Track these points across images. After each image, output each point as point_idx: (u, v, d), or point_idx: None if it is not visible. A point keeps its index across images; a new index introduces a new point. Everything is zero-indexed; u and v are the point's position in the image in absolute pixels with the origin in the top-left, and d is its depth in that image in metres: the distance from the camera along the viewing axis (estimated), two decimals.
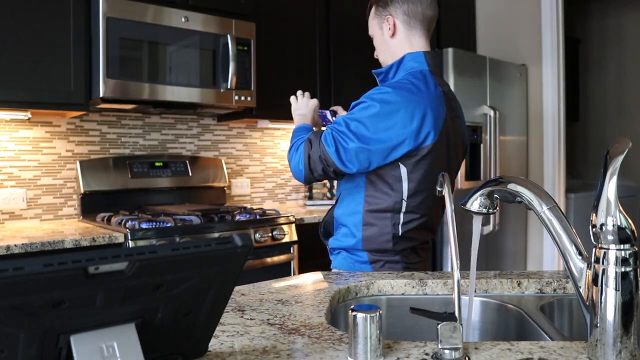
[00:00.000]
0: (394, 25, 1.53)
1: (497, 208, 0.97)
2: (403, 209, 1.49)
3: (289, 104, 1.93)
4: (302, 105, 1.79)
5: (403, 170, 1.46)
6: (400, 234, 1.50)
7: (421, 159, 1.46)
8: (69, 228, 2.28)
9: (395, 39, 1.55)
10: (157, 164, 2.73)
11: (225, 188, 3.01)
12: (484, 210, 0.96)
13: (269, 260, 2.42)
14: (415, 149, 1.44)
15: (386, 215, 1.49)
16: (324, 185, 3.31)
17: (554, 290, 1.24)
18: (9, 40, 2.10)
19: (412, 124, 1.42)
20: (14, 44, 2.11)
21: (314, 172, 1.48)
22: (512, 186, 0.89)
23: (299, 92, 1.81)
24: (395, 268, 1.51)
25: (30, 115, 2.36)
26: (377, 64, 1.68)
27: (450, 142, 1.53)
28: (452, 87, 3.30)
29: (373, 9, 1.59)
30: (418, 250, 1.59)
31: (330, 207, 1.68)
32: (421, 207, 1.51)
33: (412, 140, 1.42)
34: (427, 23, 1.55)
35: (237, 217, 2.41)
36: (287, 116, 3.05)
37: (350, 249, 1.54)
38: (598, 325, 0.75)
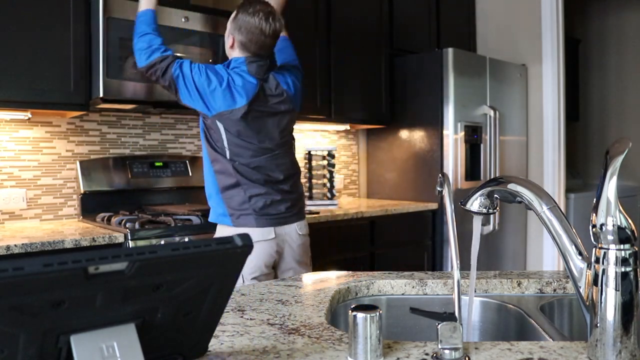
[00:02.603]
0: (233, 42, 2.02)
1: (497, 208, 0.97)
2: None
3: None
4: None
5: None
6: None
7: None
8: (69, 228, 2.28)
9: (233, 51, 2.05)
10: (157, 164, 2.73)
11: None
12: (484, 210, 0.96)
13: None
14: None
15: None
16: (324, 185, 3.31)
17: (554, 290, 1.24)
18: (9, 40, 2.10)
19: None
20: (14, 44, 2.11)
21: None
22: (512, 186, 0.89)
23: None
24: None
25: (30, 115, 2.36)
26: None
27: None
28: (451, 87, 3.31)
29: (231, 17, 2.05)
30: None
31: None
32: None
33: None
34: (255, 55, 2.01)
35: None
36: None
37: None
38: (598, 325, 0.75)
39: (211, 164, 2.02)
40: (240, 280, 1.94)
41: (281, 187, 2.05)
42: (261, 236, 1.97)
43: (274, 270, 2.08)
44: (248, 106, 1.95)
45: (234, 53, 2.03)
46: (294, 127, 2.20)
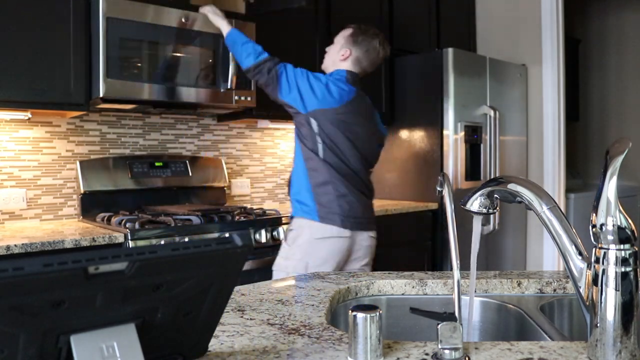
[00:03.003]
0: (349, 55, 2.21)
1: (497, 208, 0.97)
2: None
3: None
4: (214, 15, 2.38)
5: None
6: None
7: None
8: (69, 228, 2.28)
9: (344, 63, 2.23)
10: (157, 164, 2.73)
11: (225, 188, 3.01)
12: (484, 210, 0.96)
13: (269, 260, 2.42)
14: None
15: None
16: None
17: (554, 290, 1.24)
18: (9, 40, 2.10)
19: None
20: (14, 44, 2.11)
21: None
22: (512, 186, 0.89)
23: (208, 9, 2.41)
24: None
25: (30, 115, 2.36)
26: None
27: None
28: (451, 87, 3.31)
29: (348, 34, 2.23)
30: None
31: None
32: None
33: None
34: (363, 71, 2.25)
35: (237, 217, 2.41)
36: (287, 116, 3.06)
37: None
38: (598, 325, 0.75)
39: (304, 161, 2.15)
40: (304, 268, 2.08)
41: (363, 192, 2.20)
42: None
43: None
44: (342, 107, 2.10)
45: (342, 65, 2.21)
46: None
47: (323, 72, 2.24)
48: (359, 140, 2.16)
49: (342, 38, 2.24)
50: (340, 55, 2.21)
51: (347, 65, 2.20)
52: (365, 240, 2.20)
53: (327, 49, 2.31)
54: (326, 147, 2.09)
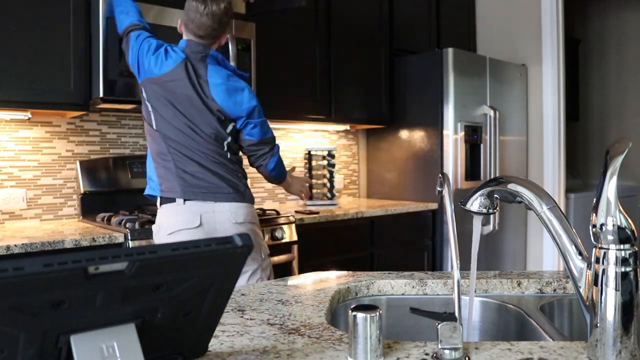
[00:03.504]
0: (181, 24, 2.10)
1: (497, 208, 0.97)
2: None
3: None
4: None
5: None
6: None
7: None
8: (69, 228, 2.28)
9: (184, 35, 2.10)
10: None
11: None
12: (484, 210, 0.96)
13: None
14: None
15: None
16: (324, 185, 3.31)
17: (554, 290, 1.24)
18: (9, 40, 2.10)
19: None
20: (14, 44, 2.11)
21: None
22: (512, 186, 0.89)
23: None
24: None
25: (30, 115, 2.36)
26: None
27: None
28: (451, 87, 3.31)
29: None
30: None
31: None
32: None
33: None
34: (197, 37, 2.06)
35: None
36: (287, 116, 3.06)
37: None
38: (598, 325, 0.75)
39: (146, 133, 2.09)
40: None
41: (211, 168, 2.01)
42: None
43: None
44: (164, 76, 1.99)
45: (184, 37, 2.09)
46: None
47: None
48: (185, 111, 2.00)
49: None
50: (179, 31, 2.12)
51: (184, 35, 2.08)
52: (228, 226, 1.97)
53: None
54: (157, 115, 2.00)
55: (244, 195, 2.04)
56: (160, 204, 2.02)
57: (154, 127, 2.01)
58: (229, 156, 2.06)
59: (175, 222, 1.95)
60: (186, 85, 1.99)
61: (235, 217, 1.99)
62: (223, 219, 1.98)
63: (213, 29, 2.04)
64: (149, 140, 2.05)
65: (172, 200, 1.98)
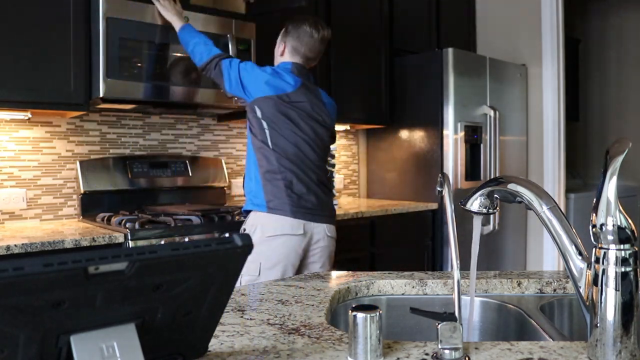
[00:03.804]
0: (284, 47, 2.24)
1: (497, 208, 0.97)
2: None
3: None
4: (164, 8, 2.33)
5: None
6: None
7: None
8: (69, 228, 2.28)
9: (283, 57, 2.25)
10: (157, 164, 2.73)
11: (225, 188, 3.01)
12: (484, 210, 0.96)
13: None
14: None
15: None
16: None
17: (554, 290, 1.24)
18: (9, 40, 2.10)
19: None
20: (14, 44, 2.11)
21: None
22: (512, 186, 0.89)
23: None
24: None
25: (30, 115, 2.36)
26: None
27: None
28: (451, 87, 3.31)
29: (281, 31, 2.28)
30: None
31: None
32: None
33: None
34: (305, 59, 2.23)
35: (237, 217, 2.41)
36: None
37: None
38: (598, 325, 0.75)
39: (254, 151, 2.14)
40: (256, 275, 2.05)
41: (317, 184, 2.16)
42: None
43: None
44: (286, 96, 2.11)
45: (284, 59, 2.23)
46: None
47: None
48: (306, 129, 2.14)
49: (278, 37, 2.29)
50: (279, 52, 2.25)
51: (288, 58, 2.21)
52: (323, 239, 2.14)
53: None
54: (274, 133, 2.09)
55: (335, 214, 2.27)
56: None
57: (270, 145, 2.10)
58: (328, 174, 2.28)
59: (280, 227, 2.05)
60: (311, 104, 2.16)
61: (330, 232, 2.19)
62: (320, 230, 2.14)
63: (321, 52, 2.26)
64: (258, 157, 2.12)
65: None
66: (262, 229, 2.05)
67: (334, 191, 2.28)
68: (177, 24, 2.28)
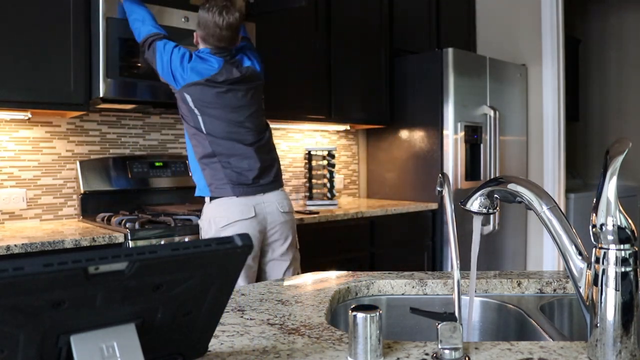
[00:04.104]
0: (197, 38, 2.21)
1: (497, 208, 0.97)
2: None
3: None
4: None
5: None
6: None
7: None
8: (69, 228, 2.28)
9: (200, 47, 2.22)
10: (157, 164, 2.73)
11: None
12: (484, 210, 0.96)
13: None
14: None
15: None
16: (324, 185, 3.31)
17: (554, 290, 1.24)
18: (9, 40, 2.10)
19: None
20: (14, 44, 2.11)
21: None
22: (512, 186, 0.89)
23: None
24: None
25: (30, 115, 2.36)
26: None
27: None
28: (451, 87, 3.31)
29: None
30: None
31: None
32: None
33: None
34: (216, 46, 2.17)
35: None
36: (287, 116, 3.06)
37: None
38: (598, 325, 0.75)
39: (190, 138, 2.14)
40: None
41: (252, 154, 2.14)
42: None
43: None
44: (212, 77, 2.08)
45: (201, 47, 2.19)
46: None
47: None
48: (234, 100, 2.12)
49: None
50: (195, 43, 2.23)
51: (202, 45, 2.18)
52: (278, 216, 2.12)
53: None
54: (206, 118, 2.08)
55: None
56: (210, 200, 2.11)
57: (204, 130, 2.08)
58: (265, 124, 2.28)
59: (230, 213, 2.05)
60: (235, 76, 2.12)
61: (283, 206, 2.17)
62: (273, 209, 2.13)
63: (232, 38, 2.17)
64: (194, 143, 2.12)
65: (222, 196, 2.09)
66: (214, 222, 2.06)
67: (277, 152, 2.30)
68: None
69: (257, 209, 2.08)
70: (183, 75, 2.07)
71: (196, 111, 2.09)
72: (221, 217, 2.05)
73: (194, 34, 2.22)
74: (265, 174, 2.15)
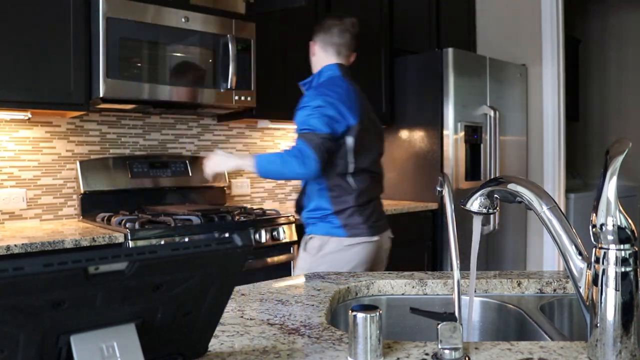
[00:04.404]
0: (315, 49, 2.19)
1: (497, 208, 0.97)
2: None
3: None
4: (225, 156, 2.09)
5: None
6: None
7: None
8: (69, 228, 2.28)
9: (315, 58, 2.20)
10: (157, 164, 2.73)
11: (225, 188, 3.01)
12: (484, 210, 0.96)
13: (269, 260, 2.42)
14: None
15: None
16: None
17: (554, 290, 1.24)
18: (9, 40, 2.10)
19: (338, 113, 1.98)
20: (14, 44, 2.11)
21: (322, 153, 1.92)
22: (512, 186, 0.89)
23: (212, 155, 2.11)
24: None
25: (30, 115, 2.36)
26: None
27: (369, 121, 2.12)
28: (451, 87, 3.31)
29: (317, 32, 2.20)
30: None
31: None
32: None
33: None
34: (337, 47, 2.16)
35: (237, 217, 2.41)
36: (287, 116, 3.05)
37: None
38: (598, 325, 0.75)
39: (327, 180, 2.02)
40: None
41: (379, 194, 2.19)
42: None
43: None
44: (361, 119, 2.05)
45: (328, 60, 2.14)
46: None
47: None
48: (374, 139, 2.13)
49: (314, 39, 2.20)
50: (312, 53, 2.20)
51: (331, 60, 2.14)
52: (387, 242, 2.16)
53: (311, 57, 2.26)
54: (357, 163, 2.02)
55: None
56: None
57: (351, 170, 2.03)
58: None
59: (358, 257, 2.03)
60: (368, 110, 2.14)
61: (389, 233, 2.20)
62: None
63: (353, 44, 2.19)
64: (330, 185, 2.02)
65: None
66: (337, 239, 2.01)
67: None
68: (248, 163, 1.97)
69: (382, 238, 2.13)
70: (339, 123, 2.02)
71: (350, 156, 2.07)
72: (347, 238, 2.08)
73: (318, 45, 2.17)
74: (383, 213, 2.23)
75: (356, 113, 2.01)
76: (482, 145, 3.46)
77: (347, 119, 1.98)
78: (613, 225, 0.73)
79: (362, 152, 2.03)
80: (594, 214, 0.74)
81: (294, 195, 3.43)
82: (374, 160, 2.12)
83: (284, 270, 2.47)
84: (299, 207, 2.16)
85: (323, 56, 2.16)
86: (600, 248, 0.75)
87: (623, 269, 0.74)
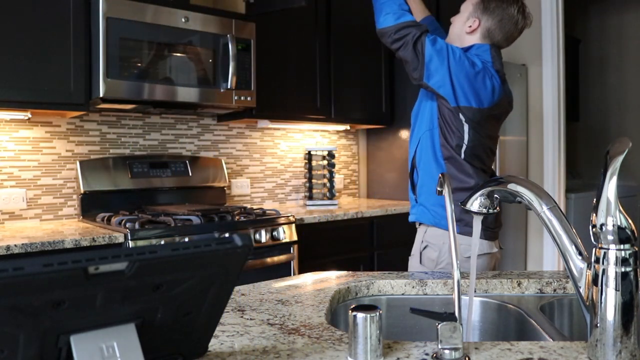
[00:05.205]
0: (478, 26, 1.81)
1: (497, 208, 0.97)
2: None
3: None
4: None
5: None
6: None
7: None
8: (69, 228, 2.28)
9: (472, 37, 1.82)
10: (157, 164, 2.73)
11: (225, 188, 3.01)
12: (484, 210, 0.96)
13: (269, 260, 2.42)
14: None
15: None
16: (324, 185, 3.31)
17: (554, 290, 1.24)
18: (9, 40, 2.10)
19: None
20: (14, 43, 2.11)
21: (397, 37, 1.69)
22: (512, 186, 0.89)
23: None
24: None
25: (30, 115, 2.36)
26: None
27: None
28: None
29: (478, 1, 1.81)
30: None
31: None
32: None
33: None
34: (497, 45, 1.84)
35: (237, 217, 2.41)
36: (287, 116, 3.06)
37: None
38: (598, 325, 0.75)
39: (444, 160, 1.81)
40: None
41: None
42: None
43: None
44: (494, 107, 1.75)
45: (470, 39, 1.81)
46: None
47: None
48: (495, 141, 1.88)
49: (470, 4, 1.82)
50: (467, 27, 1.81)
51: (483, 40, 1.79)
52: (499, 252, 1.93)
53: (452, 19, 1.90)
54: (469, 148, 1.74)
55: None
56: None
57: (462, 155, 1.78)
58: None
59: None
60: (507, 103, 1.84)
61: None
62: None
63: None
64: (448, 166, 1.81)
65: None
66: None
67: None
68: None
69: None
70: (466, 93, 1.72)
71: (466, 136, 1.79)
72: (464, 243, 1.86)
73: (472, 19, 1.80)
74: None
75: (484, 100, 1.75)
76: None
77: (471, 91, 1.73)
78: (613, 225, 0.73)
79: (475, 143, 1.79)
80: (594, 214, 0.74)
81: (294, 195, 3.43)
82: (486, 159, 1.88)
83: (284, 270, 2.47)
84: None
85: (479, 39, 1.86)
86: (600, 248, 0.75)
87: (623, 269, 0.74)
